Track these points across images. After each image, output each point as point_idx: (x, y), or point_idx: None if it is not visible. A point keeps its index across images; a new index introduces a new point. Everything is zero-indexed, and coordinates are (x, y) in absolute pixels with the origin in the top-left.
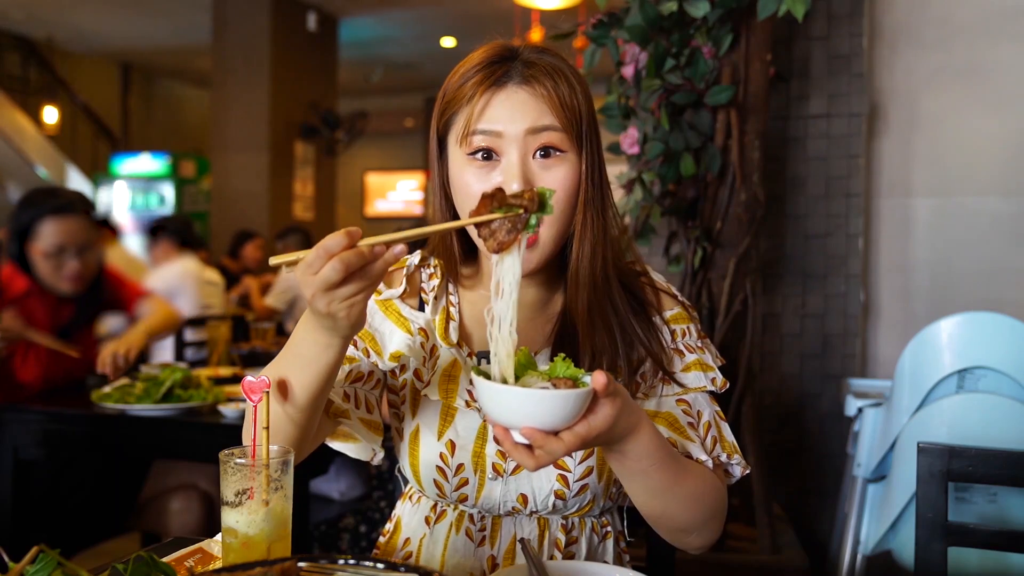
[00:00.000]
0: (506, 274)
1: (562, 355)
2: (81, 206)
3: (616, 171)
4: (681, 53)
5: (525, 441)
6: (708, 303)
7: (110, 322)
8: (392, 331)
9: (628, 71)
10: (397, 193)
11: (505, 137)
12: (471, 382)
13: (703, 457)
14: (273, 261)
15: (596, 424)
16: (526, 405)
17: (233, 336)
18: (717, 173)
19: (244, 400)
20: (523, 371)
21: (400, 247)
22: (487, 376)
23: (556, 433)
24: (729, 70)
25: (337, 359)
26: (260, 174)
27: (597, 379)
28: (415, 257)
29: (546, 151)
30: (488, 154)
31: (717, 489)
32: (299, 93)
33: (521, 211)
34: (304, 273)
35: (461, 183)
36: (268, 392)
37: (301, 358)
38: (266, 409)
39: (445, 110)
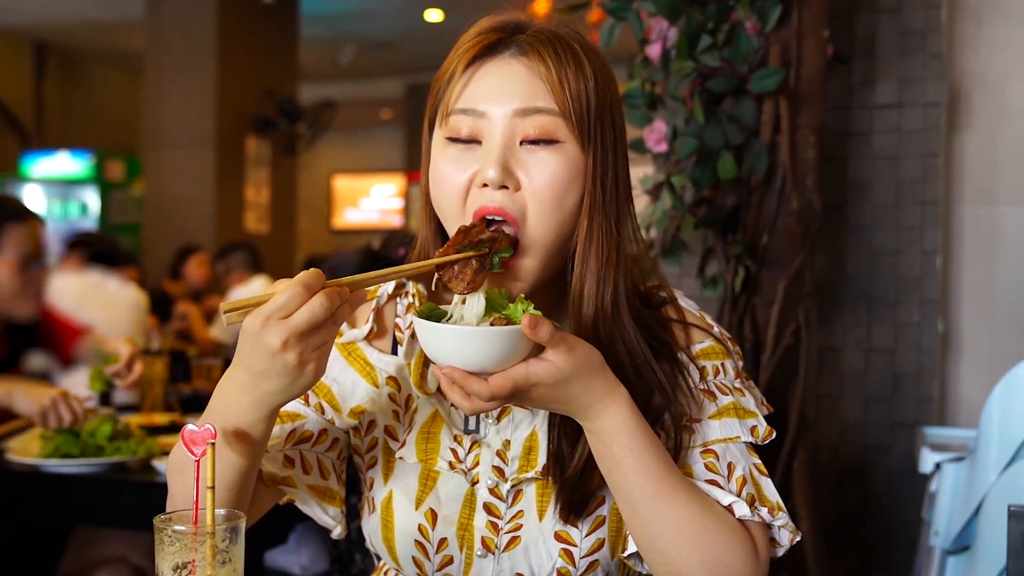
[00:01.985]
0: (469, 311)
1: (522, 295)
2: (31, 211)
3: (639, 173)
4: (719, 29)
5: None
6: (752, 335)
7: (37, 361)
8: (355, 382)
9: (654, 51)
10: (372, 200)
11: (489, 118)
12: (455, 439)
13: (729, 499)
14: (226, 307)
15: (536, 372)
16: (450, 342)
17: (171, 375)
18: (763, 176)
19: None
20: (491, 311)
21: (364, 291)
22: (434, 314)
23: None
24: (778, 50)
25: (270, 429)
26: (204, 177)
27: (524, 318)
28: (389, 286)
29: (536, 139)
30: (469, 137)
31: (734, 536)
32: (252, 78)
33: (486, 250)
34: (273, 317)
35: (436, 172)
36: (214, 444)
37: (227, 429)
38: (211, 465)
39: (437, 83)
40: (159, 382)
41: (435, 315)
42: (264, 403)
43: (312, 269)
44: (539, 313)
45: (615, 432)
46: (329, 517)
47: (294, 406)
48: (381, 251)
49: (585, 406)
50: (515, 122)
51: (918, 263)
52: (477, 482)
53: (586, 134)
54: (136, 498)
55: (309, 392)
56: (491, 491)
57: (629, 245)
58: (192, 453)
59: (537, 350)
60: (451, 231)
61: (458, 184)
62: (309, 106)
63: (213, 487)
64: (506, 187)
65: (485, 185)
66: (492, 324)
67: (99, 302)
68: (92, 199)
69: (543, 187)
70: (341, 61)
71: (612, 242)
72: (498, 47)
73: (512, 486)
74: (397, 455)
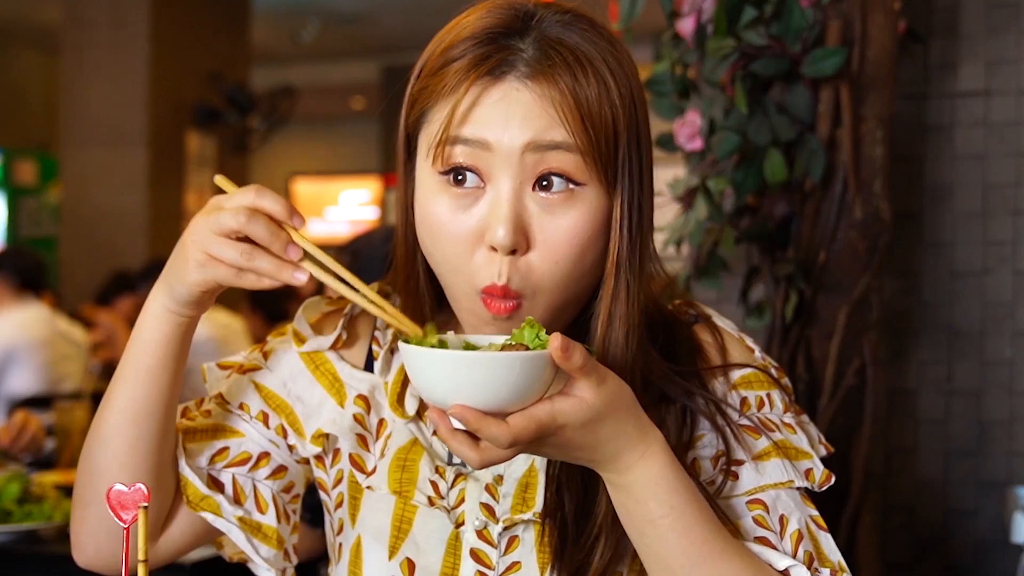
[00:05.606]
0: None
1: (530, 319)
2: None
3: (668, 176)
4: (767, 0)
5: (463, 426)
6: (806, 374)
7: None
8: (322, 400)
9: (686, 26)
10: (340, 209)
11: (495, 151)
12: (436, 470)
13: (785, 563)
14: (219, 179)
15: (564, 410)
16: (454, 373)
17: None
18: (820, 179)
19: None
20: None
21: (304, 275)
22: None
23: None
24: (838, 25)
25: (172, 340)
26: (135, 180)
27: (555, 341)
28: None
29: (549, 181)
30: (468, 176)
31: None
32: (193, 60)
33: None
34: (207, 206)
35: (429, 214)
36: (145, 507)
37: (128, 344)
38: (144, 532)
39: (417, 100)
40: (80, 432)
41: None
42: (160, 286)
43: (290, 205)
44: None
45: (651, 485)
46: (261, 558)
47: (233, 420)
48: None
49: (614, 454)
50: (527, 160)
51: (1010, 286)
52: (463, 523)
53: (613, 173)
54: (52, 574)
55: (269, 412)
56: (479, 534)
57: (646, 280)
58: (120, 519)
59: (557, 384)
60: (458, 296)
61: (460, 238)
62: (264, 94)
63: (146, 560)
64: (515, 251)
65: (493, 248)
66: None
67: (40, 343)
68: None
69: (560, 247)
70: (303, 39)
71: (638, 290)
72: (502, 66)
73: (504, 528)
74: (365, 484)
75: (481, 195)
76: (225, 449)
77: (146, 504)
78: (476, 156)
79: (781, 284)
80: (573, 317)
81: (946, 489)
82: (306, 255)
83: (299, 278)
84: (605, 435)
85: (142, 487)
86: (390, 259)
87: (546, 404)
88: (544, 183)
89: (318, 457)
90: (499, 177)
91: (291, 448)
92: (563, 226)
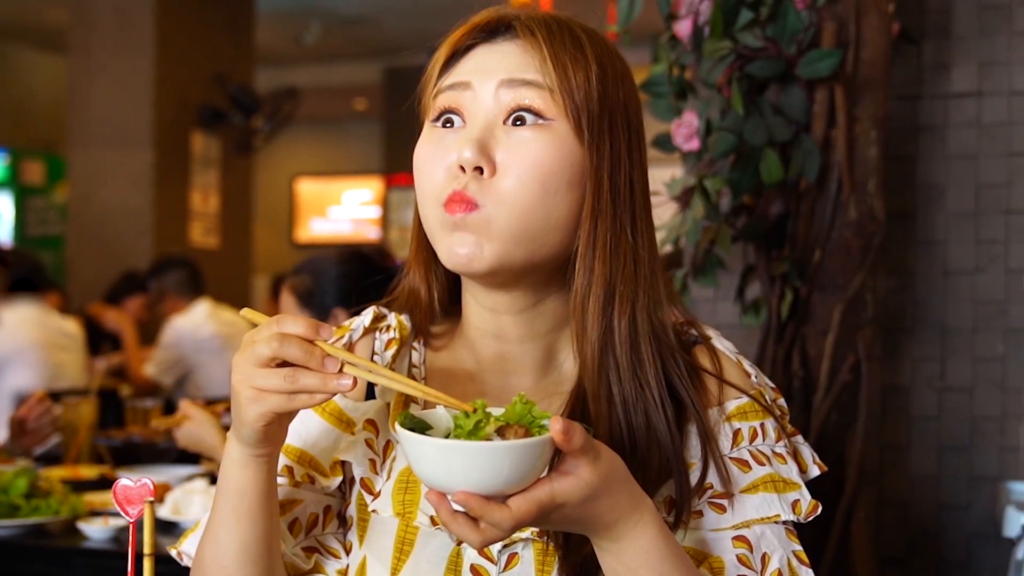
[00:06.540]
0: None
1: (522, 395)
2: None
3: (665, 176)
4: (762, 2)
5: (463, 508)
6: (802, 371)
7: None
8: (334, 436)
9: (683, 28)
10: (343, 208)
11: (473, 88)
12: None
13: None
14: (245, 313)
15: (563, 490)
16: (454, 461)
17: (101, 420)
18: (815, 179)
19: (117, 514)
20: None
21: (348, 380)
22: (415, 426)
23: (506, 499)
24: (832, 27)
25: (260, 481)
26: (140, 181)
27: (555, 424)
28: (365, 317)
29: (521, 117)
30: (452, 118)
31: None
32: (198, 61)
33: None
34: (243, 344)
35: (417, 157)
36: (151, 502)
37: (219, 487)
38: (150, 527)
39: (423, 84)
40: (86, 428)
41: (417, 426)
42: (232, 440)
43: (309, 320)
44: (548, 415)
45: (643, 553)
46: None
47: (286, 492)
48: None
49: (609, 525)
50: (501, 96)
51: (1002, 284)
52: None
53: (584, 121)
54: (58, 568)
55: (292, 466)
56: (480, 551)
57: (645, 264)
58: (126, 513)
59: (552, 461)
60: (431, 224)
61: (438, 170)
62: (267, 95)
63: (153, 554)
64: (480, 169)
65: (464, 170)
66: (501, 433)
67: (37, 341)
68: (5, 206)
69: (523, 164)
70: (306, 40)
71: (627, 249)
72: (488, 30)
73: (504, 545)
74: (371, 508)
75: (461, 131)
76: (295, 521)
77: (151, 499)
78: (458, 97)
79: (777, 282)
80: (543, 262)
81: (939, 484)
82: (344, 363)
83: (345, 384)
84: (601, 509)
85: (148, 482)
86: (347, 280)
87: (545, 485)
88: (517, 121)
89: (339, 488)
90: (476, 112)
91: (329, 495)
92: (528, 149)
